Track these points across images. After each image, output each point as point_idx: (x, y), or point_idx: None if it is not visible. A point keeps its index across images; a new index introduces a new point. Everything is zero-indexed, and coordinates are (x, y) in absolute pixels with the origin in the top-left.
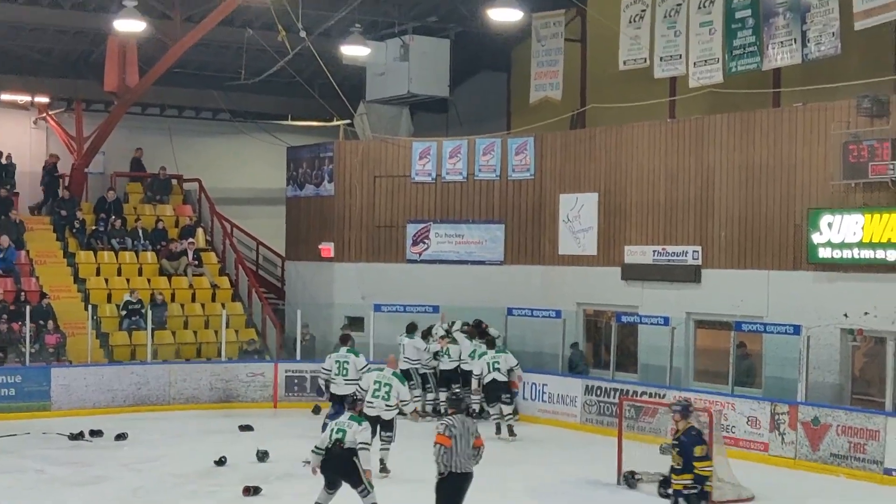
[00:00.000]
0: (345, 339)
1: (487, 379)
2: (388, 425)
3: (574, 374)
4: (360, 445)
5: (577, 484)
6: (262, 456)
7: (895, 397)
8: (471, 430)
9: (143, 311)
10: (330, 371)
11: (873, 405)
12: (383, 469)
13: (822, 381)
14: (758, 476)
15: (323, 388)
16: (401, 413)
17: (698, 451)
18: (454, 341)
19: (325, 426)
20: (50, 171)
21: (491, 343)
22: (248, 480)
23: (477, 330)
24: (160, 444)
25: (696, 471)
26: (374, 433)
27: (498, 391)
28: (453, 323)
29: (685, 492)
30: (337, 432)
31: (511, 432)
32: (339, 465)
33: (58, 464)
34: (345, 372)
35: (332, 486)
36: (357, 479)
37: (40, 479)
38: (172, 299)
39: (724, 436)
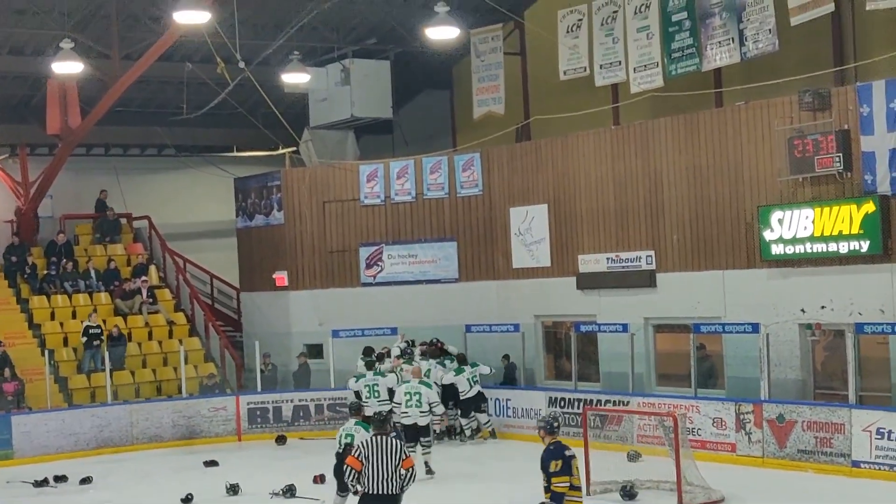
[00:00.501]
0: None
1: (472, 393)
2: (425, 430)
3: (508, 385)
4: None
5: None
6: (232, 489)
7: (857, 389)
8: (394, 451)
9: (102, 336)
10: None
11: (837, 398)
12: (429, 471)
13: (785, 378)
14: (727, 477)
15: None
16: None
17: (553, 465)
18: (410, 361)
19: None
20: None
21: (462, 359)
22: None
23: (434, 350)
24: (126, 485)
25: (552, 486)
26: (415, 440)
27: (479, 402)
28: (412, 342)
29: None
30: (346, 437)
31: (493, 434)
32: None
33: None
34: (376, 394)
35: (343, 489)
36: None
37: None
38: (129, 338)
39: (690, 439)
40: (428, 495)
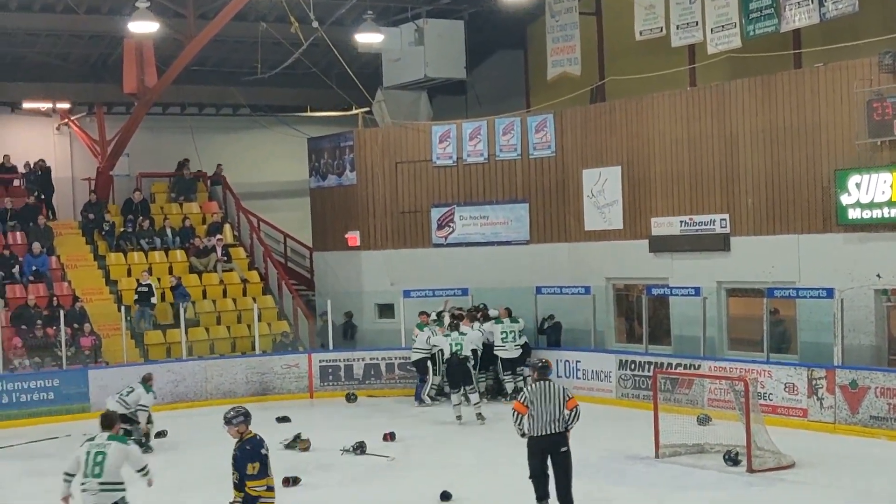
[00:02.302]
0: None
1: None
2: (520, 360)
3: (552, 346)
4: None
5: (615, 459)
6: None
7: None
8: (556, 393)
9: (152, 297)
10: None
11: None
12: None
13: (858, 344)
14: (797, 442)
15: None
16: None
17: (251, 468)
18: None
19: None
20: (43, 175)
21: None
22: (288, 471)
23: (473, 314)
24: (199, 440)
25: (247, 489)
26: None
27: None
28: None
29: None
30: (455, 345)
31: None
32: (458, 369)
33: None
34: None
35: (455, 385)
36: (469, 380)
37: None
38: (204, 296)
39: (761, 403)
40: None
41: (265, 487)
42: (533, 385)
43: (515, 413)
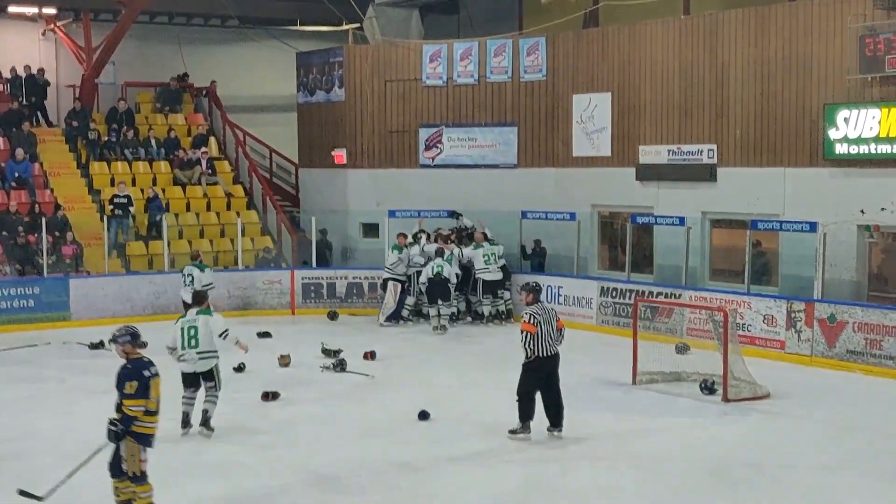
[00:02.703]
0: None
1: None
2: (500, 283)
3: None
4: (450, 276)
5: (592, 384)
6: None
7: None
8: (554, 315)
9: (130, 207)
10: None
11: (890, 302)
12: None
13: (839, 279)
14: (774, 374)
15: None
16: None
17: (129, 387)
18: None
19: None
20: (37, 83)
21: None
22: (267, 386)
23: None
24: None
25: (124, 408)
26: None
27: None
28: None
29: (111, 427)
30: (438, 266)
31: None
32: (437, 287)
33: (78, 373)
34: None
35: (433, 301)
36: (447, 297)
37: (61, 388)
38: (188, 209)
39: (739, 334)
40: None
41: (143, 409)
42: (534, 307)
43: (525, 333)
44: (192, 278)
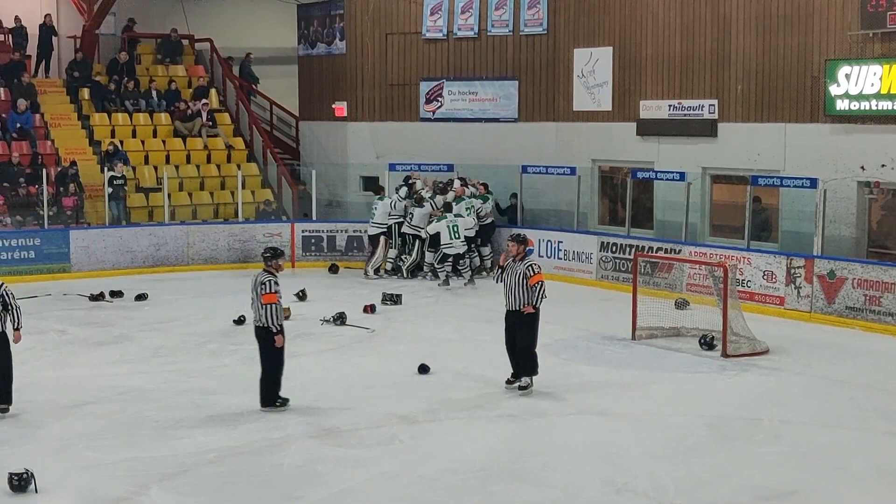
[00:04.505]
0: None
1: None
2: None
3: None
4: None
5: (592, 339)
6: (302, 295)
7: None
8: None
9: (125, 185)
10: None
11: (889, 258)
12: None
13: (839, 235)
14: (773, 329)
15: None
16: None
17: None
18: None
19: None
20: (46, 32)
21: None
22: None
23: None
24: (180, 304)
25: None
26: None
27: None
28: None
29: None
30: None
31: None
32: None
33: (79, 324)
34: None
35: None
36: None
37: (62, 339)
38: (188, 161)
39: (739, 290)
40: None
41: None
42: (530, 258)
43: (540, 283)
44: (374, 211)
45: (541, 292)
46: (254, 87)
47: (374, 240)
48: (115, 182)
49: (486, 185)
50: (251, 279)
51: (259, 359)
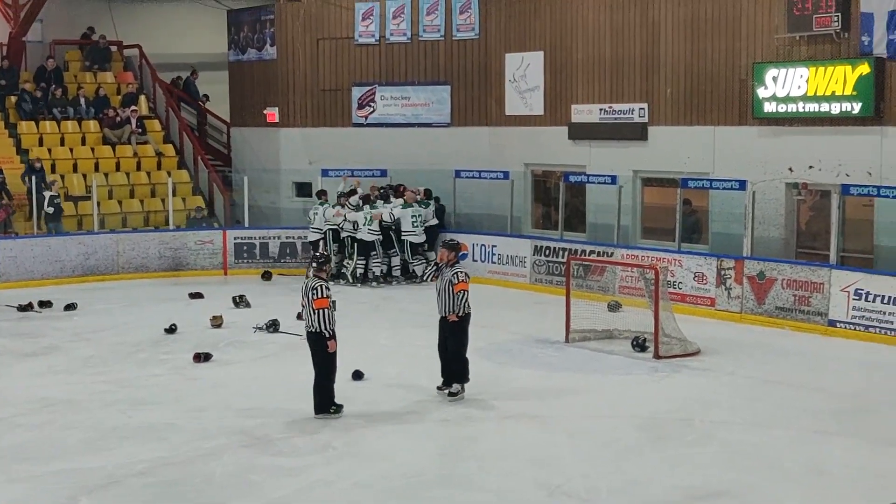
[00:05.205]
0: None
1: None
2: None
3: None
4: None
5: (527, 343)
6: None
7: (839, 250)
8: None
9: (62, 210)
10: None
11: (818, 258)
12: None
13: (768, 236)
14: (704, 330)
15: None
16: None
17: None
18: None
19: None
20: None
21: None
22: (199, 347)
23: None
24: (110, 313)
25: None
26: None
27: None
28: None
29: None
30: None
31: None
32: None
33: (8, 335)
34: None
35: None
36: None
37: None
38: (117, 168)
39: (670, 292)
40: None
41: None
42: (459, 265)
43: (463, 292)
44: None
45: (464, 301)
46: (200, 103)
47: (314, 245)
48: (54, 201)
49: (428, 191)
50: (301, 286)
51: (312, 365)
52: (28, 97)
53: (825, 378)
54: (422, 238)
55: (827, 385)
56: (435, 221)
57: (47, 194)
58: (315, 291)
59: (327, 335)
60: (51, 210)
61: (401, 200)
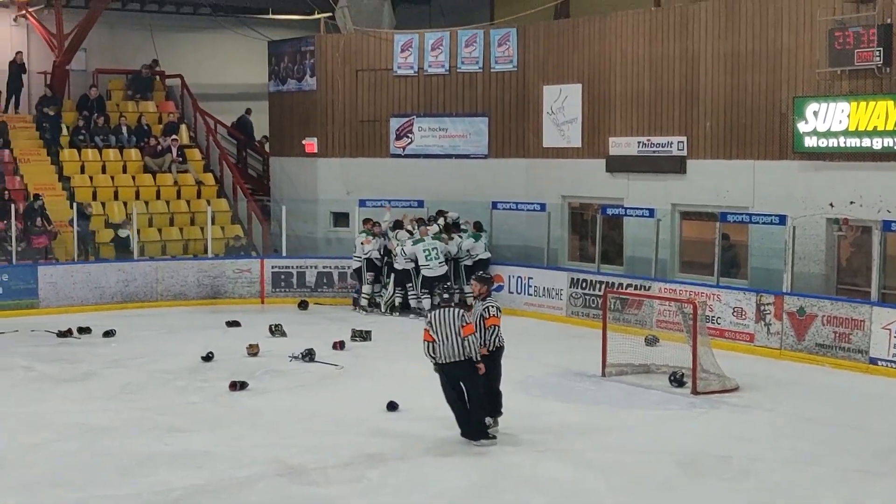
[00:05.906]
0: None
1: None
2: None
3: None
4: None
5: (563, 376)
6: (277, 329)
7: (880, 287)
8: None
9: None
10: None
11: (859, 295)
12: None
13: (808, 272)
14: (743, 366)
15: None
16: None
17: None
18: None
19: None
20: (16, 70)
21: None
22: (235, 376)
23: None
24: (148, 340)
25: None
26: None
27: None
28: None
29: None
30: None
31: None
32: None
33: (46, 361)
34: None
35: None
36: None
37: (28, 376)
38: (158, 196)
39: (709, 327)
40: None
41: None
42: (490, 299)
43: (494, 328)
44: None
45: (495, 335)
46: (258, 144)
47: (357, 273)
48: (121, 234)
49: (478, 224)
50: (431, 317)
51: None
52: (71, 126)
53: (866, 416)
54: (439, 272)
55: (867, 424)
56: (488, 255)
57: (122, 234)
58: (487, 311)
59: (477, 359)
60: (125, 234)
61: (416, 234)
